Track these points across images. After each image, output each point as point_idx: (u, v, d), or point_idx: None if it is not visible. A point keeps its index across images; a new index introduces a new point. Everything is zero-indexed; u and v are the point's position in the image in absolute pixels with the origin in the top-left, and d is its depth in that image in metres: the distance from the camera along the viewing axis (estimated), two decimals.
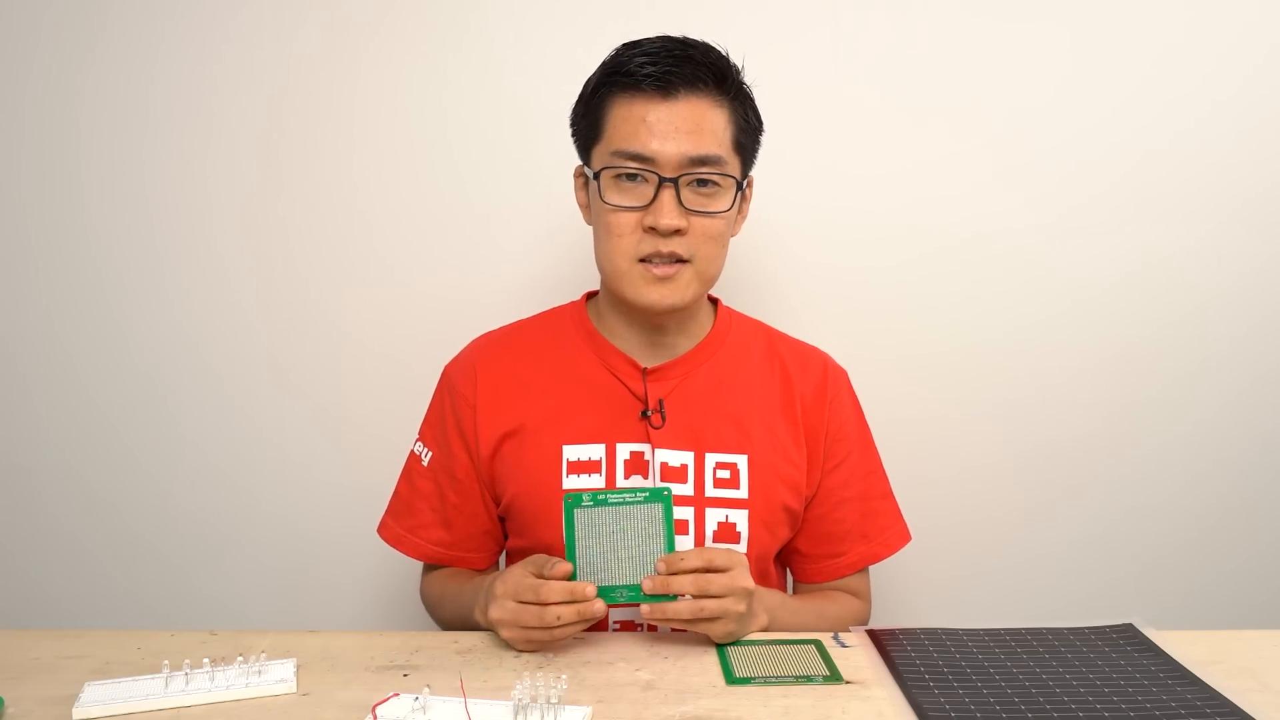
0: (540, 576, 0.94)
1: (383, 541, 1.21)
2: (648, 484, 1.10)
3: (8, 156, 1.55)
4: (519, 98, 1.50)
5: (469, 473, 1.17)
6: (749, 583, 0.96)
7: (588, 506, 0.95)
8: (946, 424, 1.57)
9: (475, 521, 1.18)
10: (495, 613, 0.95)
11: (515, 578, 0.95)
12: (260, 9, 1.52)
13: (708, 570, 0.94)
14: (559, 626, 0.92)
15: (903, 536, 1.21)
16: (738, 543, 1.11)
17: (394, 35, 1.52)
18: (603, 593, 0.93)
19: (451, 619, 1.15)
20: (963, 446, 1.57)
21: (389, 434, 1.43)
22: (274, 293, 1.57)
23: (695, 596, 0.93)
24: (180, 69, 1.53)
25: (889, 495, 1.22)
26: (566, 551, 0.95)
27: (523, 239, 1.54)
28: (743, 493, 1.12)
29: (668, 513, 0.95)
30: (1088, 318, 1.56)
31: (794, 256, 1.54)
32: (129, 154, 1.55)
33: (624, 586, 0.94)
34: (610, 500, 0.95)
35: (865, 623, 1.20)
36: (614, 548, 0.94)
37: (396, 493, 1.22)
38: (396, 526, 1.20)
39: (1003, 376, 1.56)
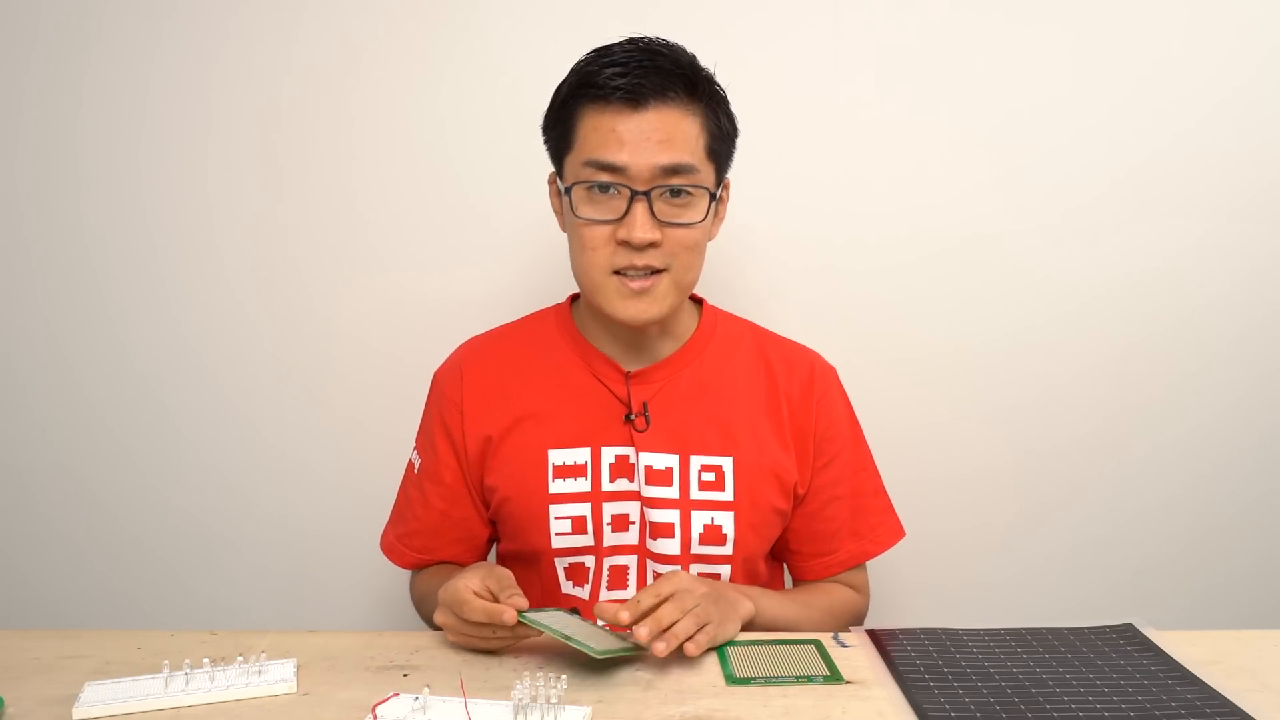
0: (494, 600, 0.93)
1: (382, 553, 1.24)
2: (628, 501, 1.12)
3: (5, 156, 1.55)
4: (518, 98, 1.50)
5: (457, 476, 1.17)
6: (698, 583, 0.95)
7: (532, 612, 0.92)
8: (947, 427, 1.57)
9: (464, 526, 1.19)
10: (438, 618, 0.97)
11: (455, 588, 0.94)
12: (258, 9, 1.52)
13: (662, 601, 0.92)
14: (493, 637, 0.93)
15: (895, 533, 1.21)
16: (723, 545, 1.12)
17: (392, 35, 1.52)
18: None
19: (428, 617, 1.13)
20: (963, 449, 1.57)
21: (388, 435, 1.43)
22: (272, 293, 1.56)
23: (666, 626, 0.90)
24: (178, 69, 1.53)
25: (881, 492, 1.22)
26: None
27: (523, 240, 1.54)
28: (728, 495, 1.12)
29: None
30: (1087, 320, 1.55)
31: (792, 261, 1.54)
32: (126, 154, 1.55)
33: (603, 636, 0.93)
34: (545, 609, 0.96)
35: (862, 616, 1.21)
36: (574, 625, 0.93)
37: (395, 502, 1.25)
38: (390, 535, 1.23)
39: (1002, 379, 1.56)
